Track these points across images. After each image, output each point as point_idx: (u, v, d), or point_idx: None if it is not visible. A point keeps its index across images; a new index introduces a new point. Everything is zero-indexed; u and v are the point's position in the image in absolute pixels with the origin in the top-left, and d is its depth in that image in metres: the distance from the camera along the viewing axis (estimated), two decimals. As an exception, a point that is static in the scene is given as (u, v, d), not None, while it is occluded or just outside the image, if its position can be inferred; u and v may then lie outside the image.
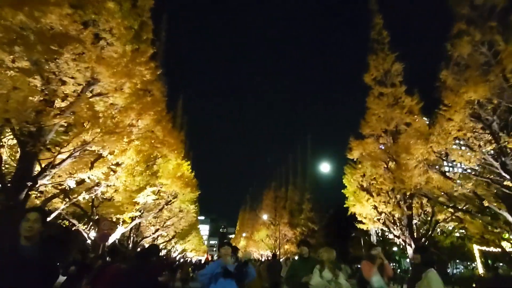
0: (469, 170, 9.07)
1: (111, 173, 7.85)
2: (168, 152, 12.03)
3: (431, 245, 12.73)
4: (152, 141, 9.94)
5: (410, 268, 14.24)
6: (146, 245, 14.81)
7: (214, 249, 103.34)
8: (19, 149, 6.02)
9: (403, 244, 11.86)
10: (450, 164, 9.46)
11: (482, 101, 7.41)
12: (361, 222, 13.34)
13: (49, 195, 7.54)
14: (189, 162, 16.35)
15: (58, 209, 7.56)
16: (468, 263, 24.81)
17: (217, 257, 3.63)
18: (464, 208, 10.18)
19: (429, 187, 9.85)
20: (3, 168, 6.76)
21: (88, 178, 6.95)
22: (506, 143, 7.25)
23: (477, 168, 9.11)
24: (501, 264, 17.63)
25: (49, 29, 5.22)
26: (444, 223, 12.15)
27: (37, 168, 6.04)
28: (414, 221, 11.92)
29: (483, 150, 7.66)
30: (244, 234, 54.70)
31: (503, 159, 7.59)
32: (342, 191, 14.12)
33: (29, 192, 5.86)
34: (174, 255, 36.69)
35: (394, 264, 26.90)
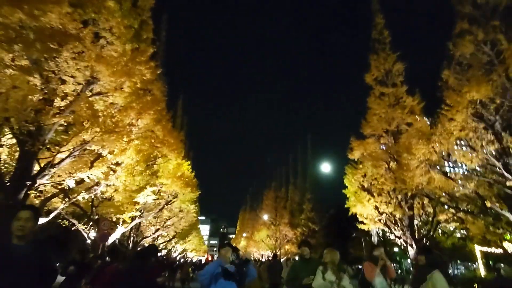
0: (470, 171, 9.01)
1: (111, 172, 7.80)
2: (168, 152, 11.99)
3: (433, 246, 12.65)
4: (152, 141, 9.91)
5: (411, 268, 14.18)
6: (146, 245, 14.77)
7: (215, 249, 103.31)
8: (18, 148, 5.99)
9: (404, 244, 11.80)
10: (452, 165, 9.38)
11: (485, 101, 7.35)
12: (362, 222, 13.28)
13: (49, 195, 7.50)
14: (189, 162, 16.32)
15: (58, 208, 7.51)
16: (469, 264, 24.74)
17: (217, 258, 3.54)
18: (466, 208, 10.12)
19: (431, 187, 9.79)
20: (2, 167, 6.73)
21: (88, 177, 6.91)
22: (509, 143, 7.20)
23: (478, 168, 9.05)
24: (502, 265, 17.55)
25: (49, 27, 5.19)
26: (446, 224, 12.09)
27: (36, 168, 6.00)
28: (415, 222, 11.86)
29: (485, 150, 7.60)
30: (244, 234, 54.64)
31: (505, 159, 7.54)
32: (342, 191, 14.05)
33: (28, 192, 5.83)
34: (174, 255, 36.64)
35: (395, 264, 26.82)
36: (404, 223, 11.72)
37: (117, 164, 7.83)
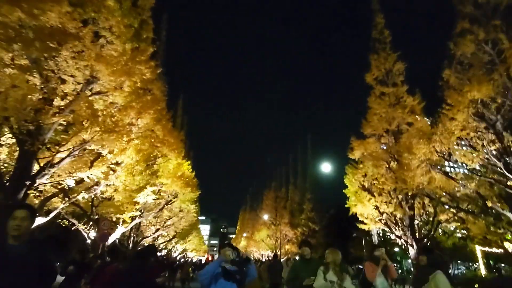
0: (470, 170, 8.99)
1: (111, 172, 7.79)
2: (168, 152, 11.97)
3: (433, 246, 12.62)
4: (152, 140, 9.89)
5: (412, 268, 14.15)
6: (146, 245, 14.76)
7: (215, 249, 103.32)
8: (17, 148, 5.97)
9: (405, 244, 11.77)
10: (453, 165, 9.35)
11: (486, 100, 7.33)
12: (362, 222, 13.25)
13: (48, 195, 7.48)
14: (189, 162, 16.30)
15: (57, 208, 7.49)
16: (470, 264, 24.69)
17: (218, 257, 3.49)
18: (467, 208, 10.10)
19: (432, 187, 9.77)
20: (2, 167, 6.71)
21: (88, 177, 6.89)
22: (510, 142, 7.17)
23: (479, 168, 9.03)
24: (503, 265, 17.52)
25: (48, 27, 5.17)
26: (446, 224, 12.06)
27: (36, 167, 5.99)
28: (416, 222, 11.83)
29: (486, 150, 7.58)
30: (244, 234, 54.61)
31: (506, 159, 7.52)
32: (343, 191, 14.04)
33: (28, 191, 5.81)
34: (174, 255, 36.63)
35: (395, 265, 26.78)
36: (404, 223, 11.70)
37: (117, 163, 7.81)
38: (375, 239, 20.41)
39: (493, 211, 10.67)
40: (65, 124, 6.58)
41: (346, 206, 13.74)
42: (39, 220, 6.63)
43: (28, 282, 1.84)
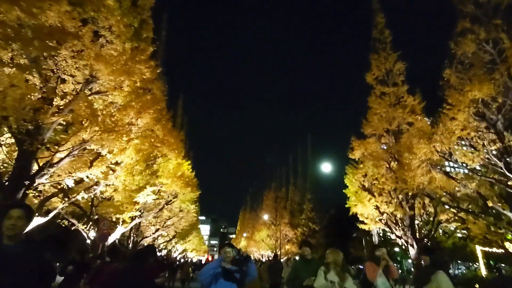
0: (471, 170, 8.96)
1: (110, 172, 7.76)
2: (168, 152, 11.94)
3: (433, 246, 12.60)
4: (152, 140, 9.86)
5: (412, 269, 14.13)
6: (145, 245, 14.73)
7: (215, 249, 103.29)
8: (16, 148, 5.95)
9: (405, 244, 11.75)
10: (454, 165, 9.33)
11: (487, 100, 7.31)
12: (362, 222, 13.23)
13: (48, 194, 7.46)
14: (189, 162, 16.27)
15: (57, 208, 7.47)
16: (470, 264, 24.66)
17: (218, 257, 3.46)
18: (467, 208, 10.08)
19: (432, 187, 9.76)
20: (1, 167, 6.69)
21: (87, 177, 6.86)
22: (511, 142, 7.15)
23: (479, 168, 9.01)
24: (503, 265, 17.48)
25: (48, 26, 5.15)
26: (447, 224, 12.04)
27: (35, 167, 5.96)
28: (416, 222, 11.81)
29: (487, 150, 7.56)
30: (244, 234, 54.59)
31: (507, 158, 7.49)
32: (343, 191, 14.02)
33: (27, 191, 5.79)
34: (174, 255, 36.60)
35: (396, 264, 26.73)
36: (405, 223, 11.67)
37: (117, 163, 7.78)
38: (375, 239, 20.39)
39: (493, 211, 10.65)
40: (64, 124, 6.57)
41: (346, 206, 13.72)
42: (39, 220, 6.61)
43: (24, 283, 1.81)
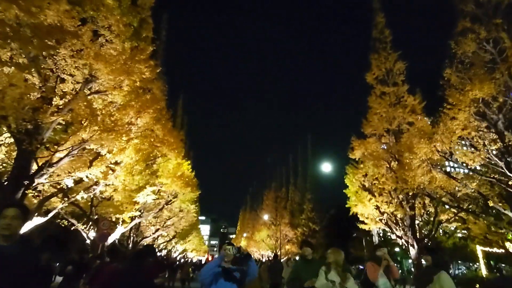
0: (472, 170, 8.94)
1: (110, 172, 7.74)
2: (168, 151, 11.92)
3: (434, 245, 12.58)
4: (152, 140, 9.84)
5: (413, 269, 14.10)
6: (144, 245, 14.69)
7: (215, 249, 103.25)
8: (16, 147, 5.93)
9: (406, 244, 11.72)
10: (454, 165, 9.31)
11: (487, 99, 7.29)
12: (363, 222, 13.21)
13: (47, 194, 7.44)
14: (189, 162, 16.24)
15: (56, 208, 7.45)
16: (470, 264, 24.63)
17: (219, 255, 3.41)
18: (468, 208, 10.06)
19: (433, 187, 9.73)
20: (0, 166, 6.67)
21: (87, 177, 6.84)
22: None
23: (479, 168, 8.99)
24: (503, 265, 17.46)
25: (47, 25, 5.12)
26: (447, 224, 12.01)
27: (34, 167, 5.94)
28: (417, 222, 11.78)
29: (488, 149, 7.54)
30: (245, 235, 54.57)
31: (508, 158, 7.47)
32: (343, 191, 13.99)
33: (26, 191, 5.77)
34: (174, 255, 36.57)
35: (396, 265, 26.65)
36: (405, 223, 11.65)
37: (116, 163, 7.76)
38: (375, 239, 20.37)
39: (494, 211, 10.64)
40: (64, 123, 6.55)
41: (346, 206, 13.70)
42: (38, 220, 6.59)
43: (20, 284, 1.77)
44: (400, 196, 11.68)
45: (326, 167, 16.55)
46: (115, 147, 6.85)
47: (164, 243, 23.72)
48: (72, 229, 10.62)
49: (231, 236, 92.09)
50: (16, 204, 2.18)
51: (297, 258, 22.92)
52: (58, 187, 7.55)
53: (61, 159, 6.21)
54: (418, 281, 4.03)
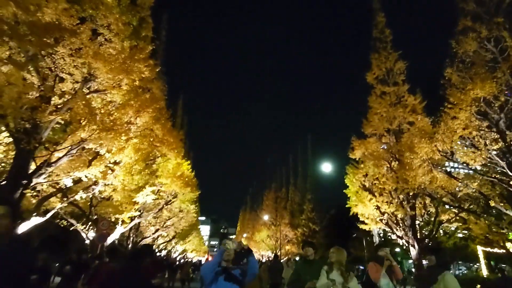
0: (473, 170, 8.90)
1: (109, 171, 7.70)
2: (168, 151, 11.87)
3: (434, 246, 12.54)
4: (151, 140, 9.79)
5: (413, 269, 14.05)
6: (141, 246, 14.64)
7: (215, 249, 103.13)
8: (14, 147, 5.89)
9: (406, 245, 11.67)
10: (454, 165, 9.27)
11: (489, 99, 7.25)
12: (363, 222, 13.15)
13: (46, 194, 7.39)
14: (189, 162, 16.20)
15: (55, 208, 7.40)
16: (471, 264, 24.58)
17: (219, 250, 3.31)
18: (469, 208, 10.01)
19: (433, 186, 9.69)
20: (-2, 166, 6.62)
21: (86, 176, 6.80)
22: (513, 141, 7.09)
23: (479, 168, 8.95)
24: (504, 265, 17.40)
25: (44, 23, 5.08)
26: (448, 224, 11.97)
27: (33, 166, 5.90)
28: (417, 222, 11.74)
29: (489, 149, 7.50)
30: (245, 235, 54.49)
31: (509, 158, 7.43)
32: (344, 191, 13.94)
33: (24, 191, 5.72)
34: (174, 255, 36.51)
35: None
36: (406, 223, 11.60)
37: (116, 163, 7.72)
38: (376, 239, 20.32)
39: (495, 211, 10.59)
40: (62, 123, 6.51)
41: (346, 206, 13.64)
42: (37, 220, 6.54)
43: (12, 284, 1.71)
44: (401, 196, 11.63)
45: (326, 167, 16.49)
46: (114, 146, 6.80)
47: (164, 244, 23.66)
48: (71, 229, 10.57)
49: (231, 237, 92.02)
50: (5, 202, 2.07)
51: (297, 258, 22.87)
52: (57, 187, 7.52)
53: (59, 158, 6.17)
54: (421, 281, 3.97)
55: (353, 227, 18.56)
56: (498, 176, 8.05)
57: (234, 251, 3.07)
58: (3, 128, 6.01)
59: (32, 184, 5.87)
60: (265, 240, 35.01)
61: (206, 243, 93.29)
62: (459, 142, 8.45)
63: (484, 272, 16.00)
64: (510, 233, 10.75)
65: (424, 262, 10.78)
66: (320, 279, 3.16)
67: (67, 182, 6.86)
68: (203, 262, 38.58)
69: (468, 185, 8.56)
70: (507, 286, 7.09)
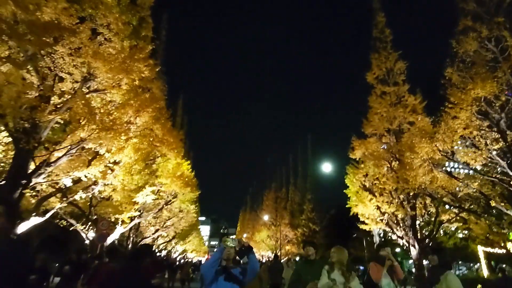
0: (473, 170, 8.88)
1: (109, 171, 7.67)
2: (168, 151, 11.85)
3: (435, 245, 12.53)
4: (151, 139, 9.77)
5: (414, 269, 14.03)
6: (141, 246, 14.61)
7: (215, 249, 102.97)
8: (13, 146, 5.87)
9: (406, 245, 11.66)
10: (455, 165, 9.26)
11: (490, 98, 7.24)
12: (363, 222, 13.14)
13: (46, 194, 7.37)
14: (189, 162, 16.18)
15: (55, 208, 7.37)
16: (471, 264, 24.55)
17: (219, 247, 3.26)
18: (469, 208, 10.00)
19: (434, 186, 9.67)
20: (-2, 166, 6.60)
21: (85, 176, 6.77)
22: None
23: (479, 168, 8.93)
24: (504, 265, 17.38)
25: (43, 22, 5.06)
26: (448, 224, 11.96)
27: (32, 166, 5.88)
28: (418, 222, 11.72)
29: (490, 149, 7.48)
30: (245, 235, 54.44)
31: (510, 158, 7.42)
32: (344, 191, 13.92)
33: (24, 191, 5.70)
34: (174, 255, 36.47)
35: (396, 265, 26.48)
36: (406, 223, 11.58)
37: (115, 162, 7.70)
38: (376, 239, 20.30)
39: (495, 211, 10.57)
40: (62, 122, 6.49)
41: (347, 206, 13.63)
42: (36, 220, 6.52)
43: (12, 284, 1.69)
44: (401, 196, 11.62)
45: (326, 167, 16.48)
46: (113, 146, 6.78)
47: (164, 244, 23.63)
48: (71, 229, 10.54)
49: (231, 237, 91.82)
50: (2, 202, 2.03)
51: (297, 258, 22.85)
52: (57, 186, 7.49)
53: (59, 158, 6.15)
54: (422, 281, 3.95)
55: (353, 227, 18.54)
56: (499, 176, 8.04)
57: (234, 250, 3.04)
58: (2, 128, 5.99)
59: (31, 184, 5.85)
60: (265, 240, 34.98)
61: (206, 243, 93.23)
62: (459, 142, 8.45)
63: (485, 272, 15.98)
64: (510, 233, 10.75)
65: (425, 262, 10.78)
66: (321, 279, 3.13)
67: (67, 182, 6.84)
68: (203, 262, 38.62)
69: (468, 185, 8.54)
70: (508, 286, 7.05)
